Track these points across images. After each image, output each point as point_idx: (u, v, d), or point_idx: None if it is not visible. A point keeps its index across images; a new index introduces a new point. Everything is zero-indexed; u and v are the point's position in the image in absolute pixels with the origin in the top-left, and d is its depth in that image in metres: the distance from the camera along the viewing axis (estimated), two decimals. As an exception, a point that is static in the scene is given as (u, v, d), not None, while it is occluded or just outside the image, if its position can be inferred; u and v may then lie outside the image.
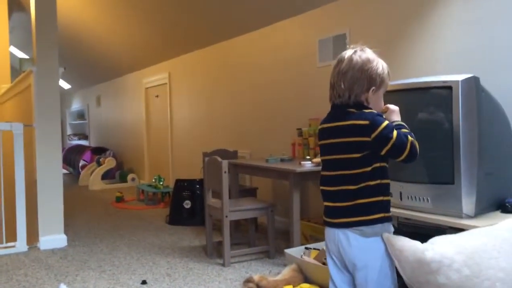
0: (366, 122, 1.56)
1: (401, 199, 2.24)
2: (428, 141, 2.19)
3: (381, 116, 1.61)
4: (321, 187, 1.74)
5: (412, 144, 1.58)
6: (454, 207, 2.03)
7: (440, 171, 2.10)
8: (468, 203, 2.00)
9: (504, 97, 2.32)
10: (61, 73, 4.16)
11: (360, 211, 1.60)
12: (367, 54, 1.64)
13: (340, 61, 1.65)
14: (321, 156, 1.76)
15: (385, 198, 1.63)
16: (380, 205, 1.61)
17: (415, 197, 2.18)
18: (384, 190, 1.63)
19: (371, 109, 1.62)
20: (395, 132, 1.56)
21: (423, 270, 1.55)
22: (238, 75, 5.10)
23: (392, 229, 1.66)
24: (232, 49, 5.20)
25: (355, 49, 1.66)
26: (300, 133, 3.95)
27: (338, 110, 1.66)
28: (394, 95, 2.37)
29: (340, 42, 3.67)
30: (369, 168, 1.58)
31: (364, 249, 1.59)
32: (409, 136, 1.59)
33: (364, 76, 1.60)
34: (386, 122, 1.57)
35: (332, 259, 1.72)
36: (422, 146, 2.21)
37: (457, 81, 2.01)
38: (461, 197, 2.00)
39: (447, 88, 2.05)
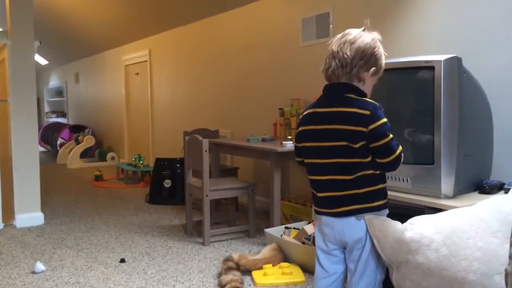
0: (367, 112, 1.50)
1: (381, 179, 2.25)
2: (410, 121, 2.19)
3: (382, 110, 1.54)
4: (311, 177, 1.66)
5: (401, 153, 1.55)
6: (433, 188, 2.04)
7: (420, 152, 2.11)
8: (447, 184, 2.02)
9: (485, 79, 2.32)
10: (37, 47, 4.02)
11: (360, 200, 1.56)
12: (375, 34, 1.61)
13: (347, 33, 1.58)
14: (306, 142, 1.64)
15: (384, 185, 1.60)
16: (380, 192, 1.59)
17: (395, 177, 2.18)
18: (382, 177, 1.60)
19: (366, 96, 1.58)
20: (391, 134, 1.53)
21: (403, 249, 1.55)
22: (220, 54, 5.03)
23: (387, 212, 1.64)
24: (214, 27, 5.11)
25: (363, 27, 1.61)
26: (282, 113, 3.92)
27: (335, 94, 1.58)
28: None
29: (324, 21, 3.62)
30: (367, 159, 1.53)
31: (363, 231, 1.59)
32: (400, 145, 1.56)
33: (370, 53, 1.55)
34: (385, 119, 1.52)
35: (325, 243, 1.66)
36: (404, 125, 2.21)
37: (440, 61, 2.00)
38: (440, 178, 2.01)
39: (430, 68, 2.04)
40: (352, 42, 1.55)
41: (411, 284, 1.56)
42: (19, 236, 3.56)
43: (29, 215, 3.88)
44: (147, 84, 6.81)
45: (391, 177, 2.19)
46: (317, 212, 1.67)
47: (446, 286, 1.52)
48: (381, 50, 1.59)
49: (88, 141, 8.08)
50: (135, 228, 3.74)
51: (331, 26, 3.56)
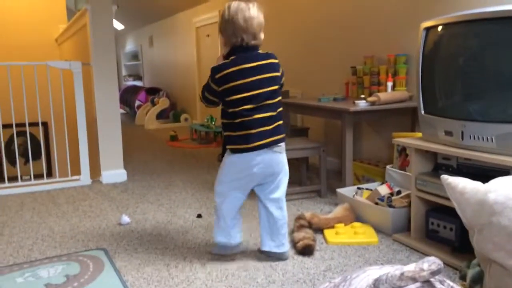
0: (277, 60, 2.33)
1: (462, 138, 2.14)
2: (497, 76, 2.04)
3: None
4: (248, 118, 2.21)
5: None
6: (521, 148, 1.92)
7: (508, 109, 1.97)
8: (537, 144, 1.88)
9: None
10: (115, 11, 4.18)
11: (280, 131, 2.27)
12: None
13: (245, 9, 2.26)
14: (247, 91, 2.21)
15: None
16: None
17: (478, 137, 2.07)
18: None
19: None
20: None
21: (485, 212, 1.49)
22: (289, 12, 4.93)
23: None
24: (284, -16, 4.99)
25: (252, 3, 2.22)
26: (354, 71, 3.81)
27: (251, 52, 2.29)
28: (462, 27, 2.21)
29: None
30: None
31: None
32: None
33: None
34: None
35: (243, 179, 2.41)
36: (491, 81, 2.06)
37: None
38: (529, 137, 1.88)
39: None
40: (254, 17, 2.23)
41: (494, 246, 1.50)
42: (106, 191, 3.85)
43: (113, 172, 4.17)
44: (217, 46, 6.87)
45: (474, 137, 2.08)
46: (247, 148, 2.26)
47: (533, 250, 1.44)
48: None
49: (163, 103, 8.40)
50: (210, 186, 3.88)
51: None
